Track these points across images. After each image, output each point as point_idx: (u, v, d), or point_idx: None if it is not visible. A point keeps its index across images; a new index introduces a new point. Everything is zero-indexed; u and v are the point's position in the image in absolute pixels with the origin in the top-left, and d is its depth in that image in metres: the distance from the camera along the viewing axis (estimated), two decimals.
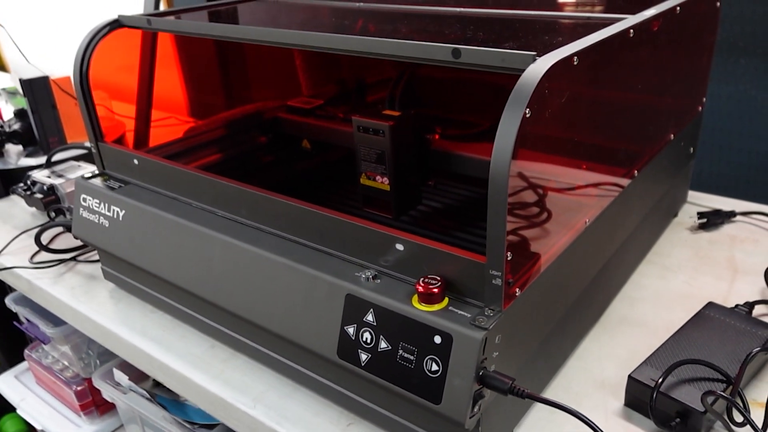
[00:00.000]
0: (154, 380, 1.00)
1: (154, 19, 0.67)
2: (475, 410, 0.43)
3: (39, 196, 0.96)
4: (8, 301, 1.02)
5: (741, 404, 0.49)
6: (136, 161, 0.69)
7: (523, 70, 0.41)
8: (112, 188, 0.69)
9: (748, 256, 0.76)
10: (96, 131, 0.72)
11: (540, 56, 0.41)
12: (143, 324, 0.70)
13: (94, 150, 0.74)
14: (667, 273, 0.74)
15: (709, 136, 0.97)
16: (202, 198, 0.62)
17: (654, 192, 0.73)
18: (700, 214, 0.84)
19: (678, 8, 0.63)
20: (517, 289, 0.44)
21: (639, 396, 0.53)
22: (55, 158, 1.06)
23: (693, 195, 0.92)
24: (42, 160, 1.15)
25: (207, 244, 0.58)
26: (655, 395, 0.50)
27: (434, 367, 0.43)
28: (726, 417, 0.50)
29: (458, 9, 0.68)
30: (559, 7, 0.68)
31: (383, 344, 0.46)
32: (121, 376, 0.96)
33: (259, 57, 0.96)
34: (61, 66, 1.30)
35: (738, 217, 0.85)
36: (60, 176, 0.98)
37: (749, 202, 0.88)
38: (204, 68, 0.95)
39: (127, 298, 0.75)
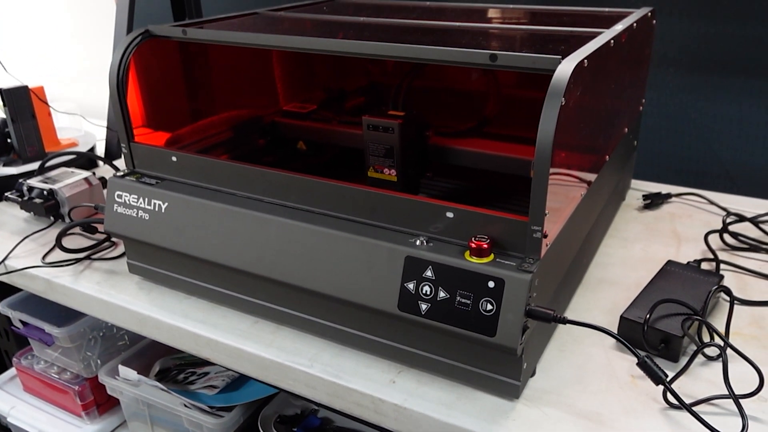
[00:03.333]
0: (155, 376, 1.05)
1: (190, 29, 0.74)
2: (523, 339, 0.54)
3: (39, 201, 0.98)
4: (2, 306, 1.03)
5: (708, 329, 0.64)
6: (174, 158, 0.75)
7: (552, 70, 0.53)
8: (150, 184, 0.75)
9: (687, 227, 0.93)
10: (129, 133, 0.78)
11: (563, 59, 0.54)
12: (182, 308, 0.76)
13: (125, 150, 0.79)
14: (627, 243, 0.89)
15: (643, 133, 1.14)
16: (248, 188, 0.70)
17: (614, 176, 0.88)
18: (645, 197, 1.00)
19: (634, 24, 0.78)
20: (547, 242, 0.56)
21: (628, 332, 0.66)
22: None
23: (634, 182, 1.09)
24: (22, 168, 1.16)
25: (262, 227, 0.66)
26: (646, 328, 0.64)
27: (489, 307, 0.54)
28: (697, 339, 0.64)
29: (457, 23, 0.80)
30: (545, 23, 0.81)
31: (442, 294, 0.56)
32: (127, 372, 1.00)
33: (252, 65, 1.03)
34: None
35: (673, 198, 1.02)
36: (56, 181, 1.01)
37: (678, 186, 1.06)
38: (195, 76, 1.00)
39: (157, 288, 0.81)
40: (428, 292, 0.57)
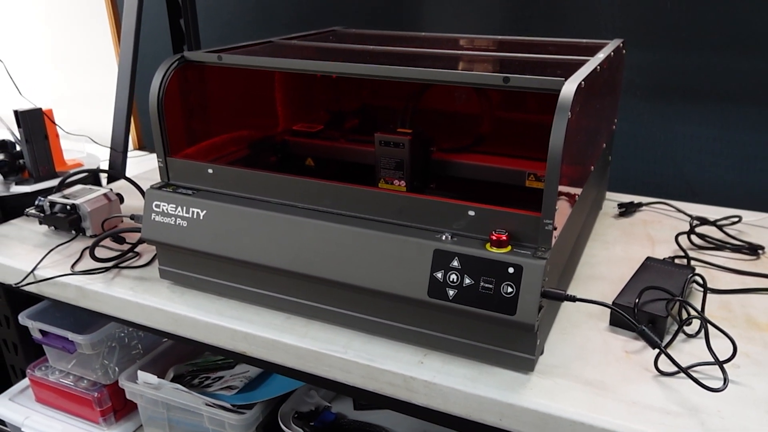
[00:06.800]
0: (171, 381, 1.10)
1: (225, 55, 0.83)
2: (539, 317, 0.64)
3: (62, 215, 1.04)
4: (22, 317, 1.07)
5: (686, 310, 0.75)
6: (210, 170, 0.83)
7: (558, 90, 0.63)
8: (186, 194, 0.83)
9: (658, 232, 1.05)
10: (166, 149, 0.85)
11: (566, 81, 0.64)
12: (216, 307, 0.83)
13: (161, 165, 0.86)
14: (608, 246, 1.00)
15: (615, 151, 1.27)
16: (284, 195, 0.78)
17: (596, 185, 1.00)
18: (620, 205, 1.12)
19: (612, 53, 0.90)
20: (556, 234, 0.66)
21: (619, 316, 0.76)
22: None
23: (608, 194, 1.21)
24: (35, 187, 1.20)
25: (301, 229, 0.74)
26: (636, 311, 0.74)
27: (509, 290, 0.64)
28: (678, 318, 0.75)
29: (459, 51, 0.90)
30: (536, 51, 0.92)
31: (467, 281, 0.65)
32: (146, 376, 1.05)
33: (256, 90, 1.11)
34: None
35: (644, 207, 1.15)
36: (77, 197, 1.06)
37: (645, 196, 1.19)
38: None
39: (189, 291, 0.87)
40: (455, 280, 0.66)
